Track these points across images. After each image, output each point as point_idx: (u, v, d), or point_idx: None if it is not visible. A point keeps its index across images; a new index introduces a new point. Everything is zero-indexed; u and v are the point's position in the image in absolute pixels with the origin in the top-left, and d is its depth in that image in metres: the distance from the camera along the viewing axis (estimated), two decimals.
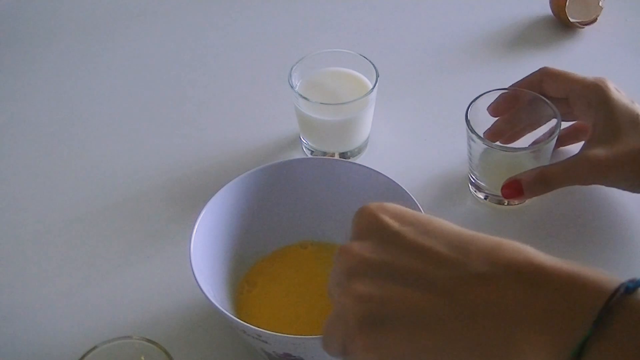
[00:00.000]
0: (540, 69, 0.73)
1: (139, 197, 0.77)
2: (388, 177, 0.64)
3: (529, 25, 0.94)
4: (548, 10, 0.94)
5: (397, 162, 0.78)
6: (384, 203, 0.48)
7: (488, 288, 0.41)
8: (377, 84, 0.75)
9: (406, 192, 0.63)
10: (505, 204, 0.74)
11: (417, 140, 0.81)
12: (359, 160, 0.79)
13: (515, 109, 0.73)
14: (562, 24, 0.93)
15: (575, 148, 0.74)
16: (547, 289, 0.40)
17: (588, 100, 0.69)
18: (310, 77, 0.78)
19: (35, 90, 0.89)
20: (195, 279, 0.58)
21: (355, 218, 0.48)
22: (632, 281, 0.39)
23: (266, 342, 0.56)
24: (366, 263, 0.44)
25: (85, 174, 0.80)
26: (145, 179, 0.79)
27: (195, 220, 0.61)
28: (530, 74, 0.73)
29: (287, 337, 0.56)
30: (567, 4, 0.89)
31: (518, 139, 0.74)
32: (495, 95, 0.73)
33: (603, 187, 0.76)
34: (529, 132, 0.74)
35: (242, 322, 0.55)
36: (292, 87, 0.75)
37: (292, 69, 0.76)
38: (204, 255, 0.61)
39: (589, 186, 0.76)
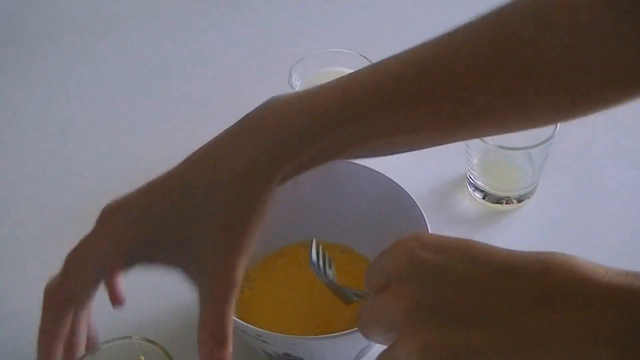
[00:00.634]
0: None
1: None
2: (388, 178, 0.65)
3: None
4: None
5: (397, 162, 0.78)
6: (418, 235, 0.45)
7: (546, 314, 0.40)
8: None
9: (406, 192, 0.63)
10: (504, 203, 0.74)
11: None
12: (359, 160, 0.79)
13: None
14: None
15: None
16: (606, 308, 0.39)
17: None
18: (310, 77, 0.78)
19: (35, 90, 0.89)
20: None
21: (389, 257, 0.45)
22: None
23: (266, 342, 0.56)
24: (419, 309, 0.42)
25: (85, 173, 0.80)
26: (146, 178, 0.79)
27: None
28: None
29: (287, 337, 0.56)
30: None
31: None
32: None
33: (603, 186, 0.76)
34: None
35: (242, 322, 0.55)
36: (292, 87, 0.75)
37: (292, 69, 0.76)
38: None
39: (588, 185, 0.77)
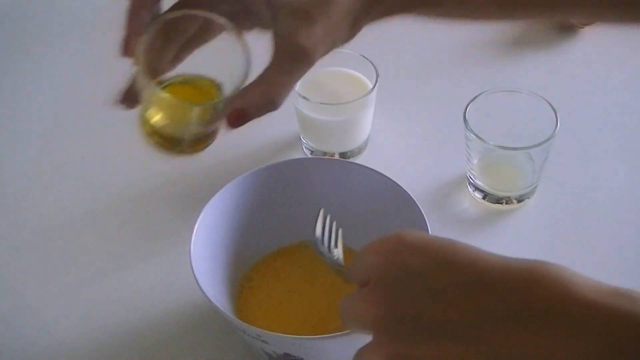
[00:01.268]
0: None
1: (139, 197, 0.77)
2: (388, 177, 0.64)
3: (529, 25, 0.94)
4: None
5: (397, 162, 0.79)
6: (402, 233, 0.43)
7: (523, 333, 0.38)
8: (377, 84, 0.75)
9: (406, 192, 0.63)
10: (504, 203, 0.74)
11: (417, 140, 0.82)
12: (359, 160, 0.79)
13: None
14: (562, 24, 0.93)
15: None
16: (590, 330, 0.37)
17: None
18: (310, 77, 0.78)
19: (35, 90, 0.89)
20: (196, 279, 0.58)
21: (371, 254, 0.44)
22: None
23: (266, 342, 0.56)
24: (392, 317, 0.41)
25: (85, 173, 0.80)
26: (145, 179, 0.79)
27: (195, 220, 0.62)
28: None
29: (287, 337, 0.56)
30: None
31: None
32: (494, 95, 0.73)
33: (602, 186, 0.76)
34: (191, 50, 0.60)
35: (242, 322, 0.55)
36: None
37: None
38: (204, 255, 0.61)
39: (589, 185, 0.77)
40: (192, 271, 0.58)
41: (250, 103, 0.53)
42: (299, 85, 0.77)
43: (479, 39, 0.93)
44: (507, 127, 0.74)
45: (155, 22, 0.53)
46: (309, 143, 0.79)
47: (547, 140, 0.69)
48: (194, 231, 0.61)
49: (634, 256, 0.71)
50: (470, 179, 0.75)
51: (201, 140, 0.57)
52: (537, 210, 0.75)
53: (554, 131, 0.70)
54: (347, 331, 0.54)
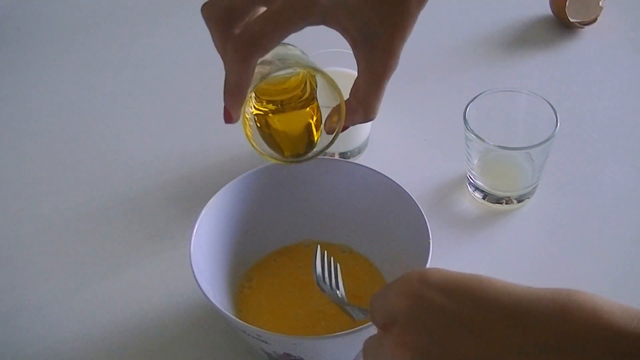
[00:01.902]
0: None
1: (139, 197, 0.77)
2: (388, 177, 0.64)
3: (529, 25, 0.94)
4: (548, 10, 0.94)
5: (397, 162, 0.79)
6: (425, 273, 0.42)
7: None
8: None
9: (406, 192, 0.63)
10: (504, 203, 0.74)
11: (417, 140, 0.82)
12: (359, 160, 0.79)
13: None
14: (562, 24, 0.93)
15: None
16: (626, 358, 0.36)
17: None
18: None
19: (36, 90, 0.89)
20: (195, 279, 0.58)
21: (394, 295, 0.43)
22: None
23: (266, 342, 0.56)
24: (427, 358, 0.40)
25: (85, 173, 0.80)
26: (145, 179, 0.79)
27: (195, 220, 0.62)
28: None
29: (287, 337, 0.56)
30: (567, 4, 0.89)
31: None
32: (494, 95, 0.73)
33: (602, 186, 0.76)
34: None
35: (242, 322, 0.55)
36: None
37: None
38: (204, 255, 0.61)
39: (589, 185, 0.77)
40: (192, 271, 0.58)
41: (351, 121, 0.56)
42: None
43: (479, 39, 0.93)
44: (507, 127, 0.74)
45: (255, 84, 0.53)
46: None
47: (547, 140, 0.69)
48: (194, 231, 0.61)
49: (634, 256, 0.71)
50: (470, 179, 0.75)
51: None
52: (537, 210, 0.75)
53: (554, 131, 0.70)
54: (347, 331, 0.54)
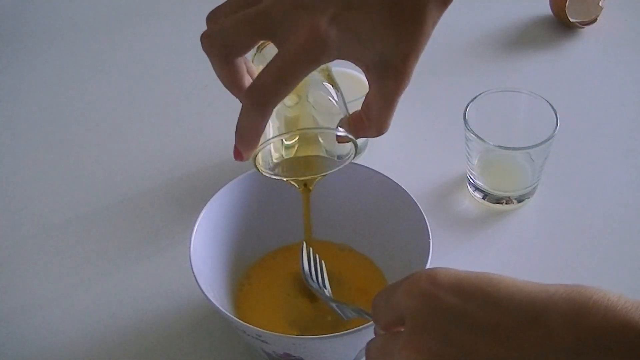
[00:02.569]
0: None
1: (139, 197, 0.77)
2: (388, 178, 0.64)
3: (529, 25, 0.94)
4: (548, 10, 0.94)
5: (397, 162, 0.79)
6: (434, 272, 0.41)
7: None
8: None
9: (406, 192, 0.63)
10: (504, 203, 0.74)
11: (417, 140, 0.82)
12: (359, 160, 0.79)
13: None
14: (562, 24, 0.93)
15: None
16: None
17: None
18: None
19: (36, 90, 0.89)
20: (195, 279, 0.58)
21: (402, 296, 0.41)
22: None
23: (266, 342, 0.56)
24: None
25: (85, 174, 0.80)
26: (145, 179, 0.79)
27: (195, 220, 0.62)
28: None
29: (287, 337, 0.56)
30: (567, 4, 0.89)
31: None
32: (494, 95, 0.73)
33: (602, 186, 0.76)
34: None
35: (242, 322, 0.55)
36: None
37: None
38: (204, 255, 0.61)
39: (588, 185, 0.76)
40: (192, 271, 0.58)
41: (362, 136, 0.53)
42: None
43: (479, 39, 0.93)
44: (507, 127, 0.74)
45: (265, 142, 0.53)
46: None
47: (547, 140, 0.69)
48: (194, 231, 0.61)
49: (634, 256, 0.71)
50: (470, 179, 0.75)
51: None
52: (537, 210, 0.75)
53: (554, 131, 0.70)
54: (347, 331, 0.54)
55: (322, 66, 0.50)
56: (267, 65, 0.46)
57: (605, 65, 0.89)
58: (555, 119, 0.70)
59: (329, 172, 0.57)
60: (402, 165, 0.78)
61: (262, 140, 0.50)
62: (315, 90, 0.55)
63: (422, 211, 0.61)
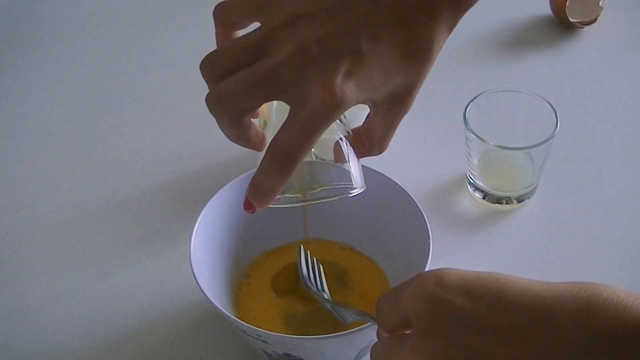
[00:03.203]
0: None
1: (139, 197, 0.77)
2: (388, 178, 0.64)
3: (529, 25, 0.94)
4: (548, 10, 0.94)
5: (397, 162, 0.78)
6: (440, 274, 0.40)
7: None
8: None
9: (406, 192, 0.63)
10: (504, 203, 0.74)
11: (417, 140, 0.82)
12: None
13: None
14: (562, 24, 0.93)
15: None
16: None
17: None
18: None
19: (36, 90, 0.89)
20: (195, 279, 0.58)
21: (408, 298, 0.41)
22: None
23: (266, 342, 0.56)
24: None
25: (85, 174, 0.80)
26: (145, 179, 0.79)
27: (195, 220, 0.62)
28: None
29: (287, 337, 0.56)
30: (567, 4, 0.89)
31: None
32: (494, 95, 0.73)
33: (602, 186, 0.76)
34: None
35: (242, 322, 0.55)
36: None
37: None
38: (204, 255, 0.61)
39: (588, 185, 0.77)
40: (192, 271, 0.58)
41: (362, 156, 0.54)
42: None
43: (479, 39, 0.93)
44: (507, 127, 0.74)
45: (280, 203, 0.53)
46: None
47: (547, 140, 0.69)
48: (194, 231, 0.61)
49: (634, 256, 0.71)
50: (470, 179, 0.75)
51: None
52: (537, 210, 0.75)
53: (554, 131, 0.70)
54: (347, 331, 0.54)
55: None
56: (287, 126, 0.45)
57: (605, 65, 0.89)
58: (555, 119, 0.70)
59: (327, 200, 0.57)
60: (402, 165, 0.78)
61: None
62: None
63: (422, 211, 0.61)
